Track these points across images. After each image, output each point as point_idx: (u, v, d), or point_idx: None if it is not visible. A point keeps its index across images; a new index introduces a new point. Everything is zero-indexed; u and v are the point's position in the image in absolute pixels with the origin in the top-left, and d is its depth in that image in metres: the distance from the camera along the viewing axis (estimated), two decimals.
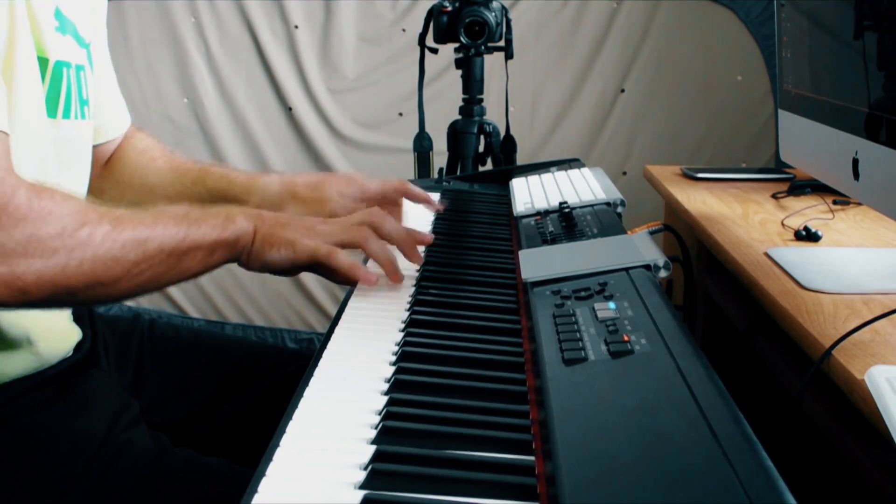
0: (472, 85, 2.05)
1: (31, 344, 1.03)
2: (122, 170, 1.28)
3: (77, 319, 1.15)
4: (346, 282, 1.03)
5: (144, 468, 0.97)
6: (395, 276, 1.04)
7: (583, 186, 1.41)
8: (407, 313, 0.95)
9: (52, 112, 1.02)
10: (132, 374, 1.18)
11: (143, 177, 1.27)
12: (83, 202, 0.90)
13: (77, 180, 1.09)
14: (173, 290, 2.83)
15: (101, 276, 0.87)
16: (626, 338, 0.76)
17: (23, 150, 0.95)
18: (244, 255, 1.00)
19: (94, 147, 1.21)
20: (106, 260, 0.87)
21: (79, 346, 1.12)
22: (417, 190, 1.30)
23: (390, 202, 1.28)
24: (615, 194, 1.32)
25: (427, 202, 1.32)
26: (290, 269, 1.02)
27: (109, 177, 1.27)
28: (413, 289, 1.03)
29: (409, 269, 1.10)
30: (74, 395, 1.04)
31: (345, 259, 1.01)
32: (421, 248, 1.18)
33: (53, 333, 1.07)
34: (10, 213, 0.82)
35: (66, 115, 1.04)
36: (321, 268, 1.02)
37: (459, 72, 2.06)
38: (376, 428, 0.69)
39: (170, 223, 0.94)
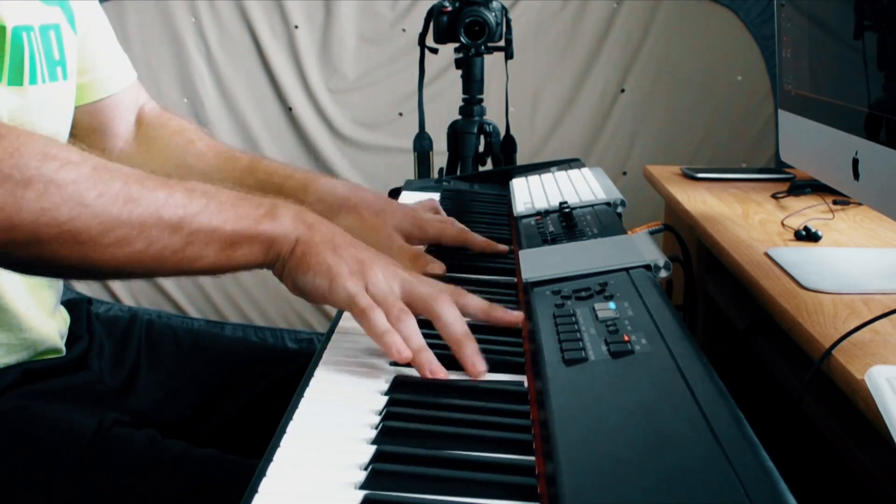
0: (472, 85, 2.05)
1: (21, 331, 1.02)
2: (156, 151, 1.20)
3: (74, 322, 1.15)
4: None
5: (136, 460, 0.96)
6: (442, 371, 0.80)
7: (583, 186, 1.41)
8: None
9: (16, 80, 0.97)
10: (128, 376, 1.18)
11: (181, 158, 1.18)
12: (63, 143, 0.77)
13: None
14: (173, 290, 2.83)
15: (65, 222, 0.73)
16: (626, 338, 0.76)
17: None
18: (279, 264, 0.84)
19: (91, 104, 1.17)
20: (73, 204, 0.73)
21: (72, 346, 1.12)
22: (479, 239, 1.15)
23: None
24: (615, 194, 1.32)
25: (492, 249, 1.16)
26: (322, 301, 0.85)
27: (139, 158, 1.20)
28: None
29: None
30: (64, 392, 1.04)
31: (381, 324, 0.80)
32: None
33: (42, 324, 1.06)
34: None
35: (33, 80, 0.99)
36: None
37: (459, 72, 2.06)
38: (376, 428, 0.69)
39: (179, 193, 0.79)
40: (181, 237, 0.78)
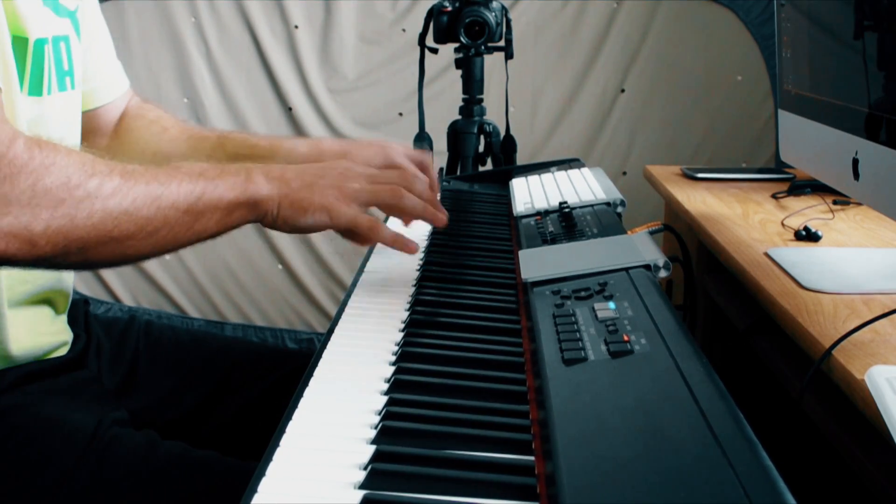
0: (472, 85, 2.05)
1: (18, 341, 1.03)
2: (133, 142, 1.26)
3: (72, 322, 1.15)
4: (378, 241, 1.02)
5: (135, 461, 0.96)
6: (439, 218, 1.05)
7: (583, 186, 1.41)
8: (407, 313, 0.95)
9: (36, 90, 1.01)
10: (125, 377, 1.18)
11: (157, 146, 1.25)
12: (90, 155, 0.87)
13: None
14: (173, 290, 2.83)
15: (112, 230, 0.85)
16: (625, 338, 0.76)
17: None
18: (269, 217, 0.97)
19: (89, 112, 1.21)
20: (116, 214, 0.85)
21: (71, 346, 1.12)
22: (433, 172, 1.23)
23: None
24: (615, 194, 1.32)
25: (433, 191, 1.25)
26: (325, 229, 1.01)
27: (119, 149, 1.25)
28: (413, 289, 1.03)
29: (410, 269, 1.10)
30: (63, 391, 1.04)
31: (389, 233, 1.00)
32: (422, 246, 1.18)
33: (44, 328, 1.07)
34: (10, 161, 0.80)
35: (49, 90, 1.04)
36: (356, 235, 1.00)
37: (459, 72, 2.06)
38: (376, 428, 0.69)
39: (185, 180, 0.91)
40: (192, 218, 0.91)
